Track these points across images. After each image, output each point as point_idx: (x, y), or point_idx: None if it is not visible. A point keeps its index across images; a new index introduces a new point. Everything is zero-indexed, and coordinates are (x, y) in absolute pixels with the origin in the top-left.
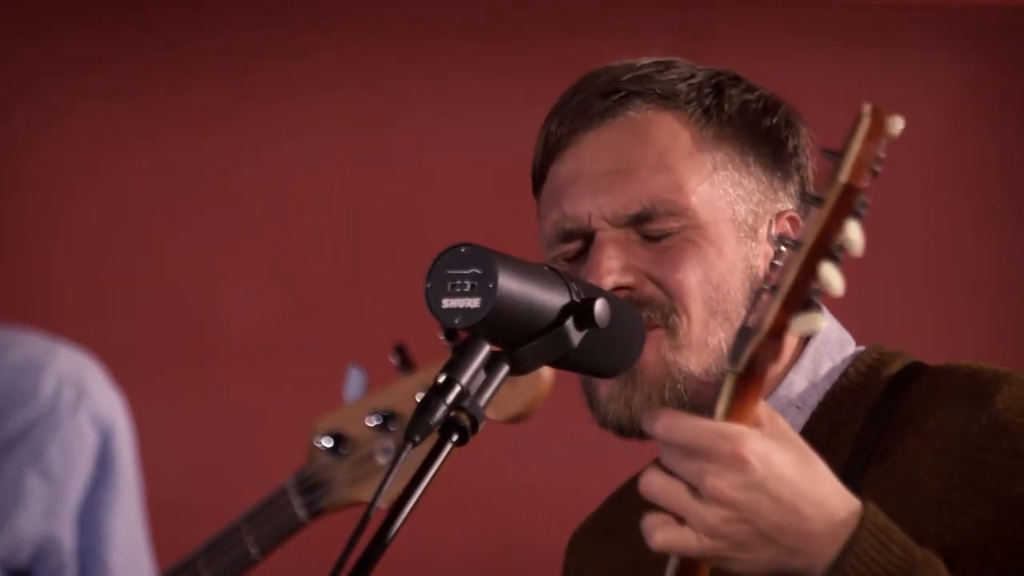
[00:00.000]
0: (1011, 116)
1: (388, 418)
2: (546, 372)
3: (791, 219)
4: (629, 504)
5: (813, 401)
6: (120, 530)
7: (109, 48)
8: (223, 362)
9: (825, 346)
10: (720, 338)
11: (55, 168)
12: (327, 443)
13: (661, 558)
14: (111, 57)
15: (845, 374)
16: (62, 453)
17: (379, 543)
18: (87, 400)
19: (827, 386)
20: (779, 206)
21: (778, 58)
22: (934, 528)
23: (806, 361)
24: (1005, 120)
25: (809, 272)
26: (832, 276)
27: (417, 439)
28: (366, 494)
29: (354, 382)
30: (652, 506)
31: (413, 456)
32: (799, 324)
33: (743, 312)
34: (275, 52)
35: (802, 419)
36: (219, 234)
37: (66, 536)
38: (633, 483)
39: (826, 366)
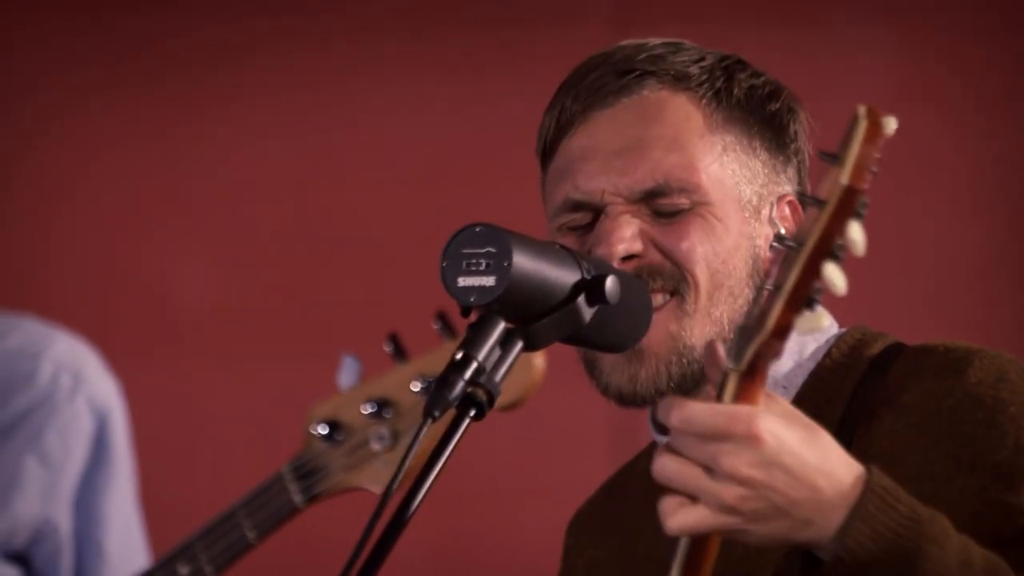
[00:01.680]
0: (945, 97)
1: (383, 406)
2: (538, 361)
3: (791, 203)
4: (625, 490)
5: (798, 381)
6: (115, 513)
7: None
8: (176, 343)
9: None
10: (722, 311)
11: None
12: (323, 430)
13: (657, 542)
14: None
15: (828, 354)
16: (60, 438)
17: (399, 520)
18: (84, 386)
19: (811, 366)
20: (780, 189)
21: (712, 41)
22: (917, 501)
23: (791, 342)
24: (940, 101)
25: (812, 272)
26: (836, 275)
27: (437, 414)
28: (361, 480)
29: (348, 370)
30: (647, 493)
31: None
32: (804, 323)
33: (746, 290)
34: (233, 46)
35: (788, 399)
36: (171, 215)
37: (63, 519)
38: (627, 470)
39: (811, 347)
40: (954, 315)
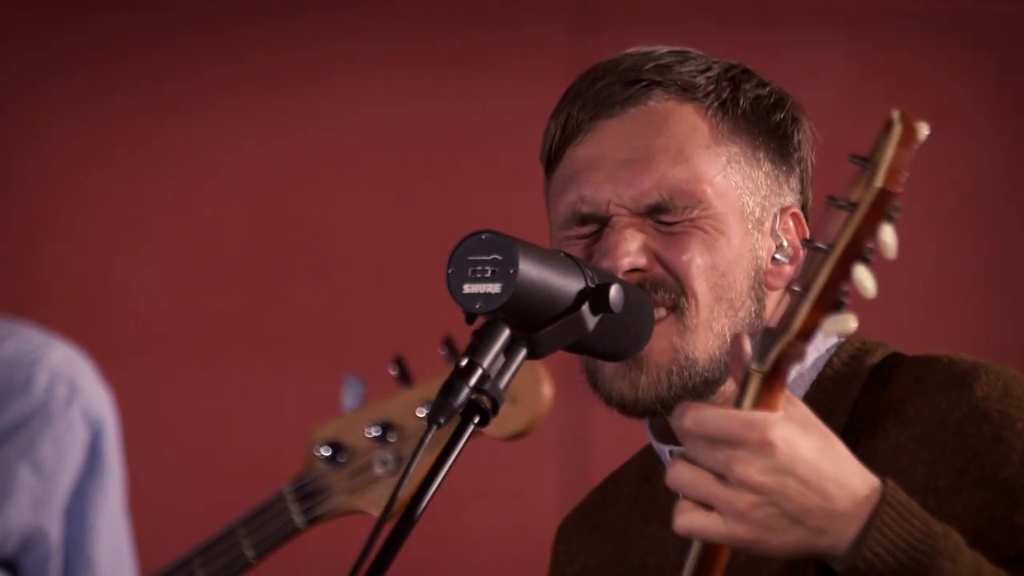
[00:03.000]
0: (903, 102)
1: (387, 429)
2: (545, 391)
3: (794, 215)
4: (616, 497)
5: (800, 391)
6: (105, 524)
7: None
8: (141, 350)
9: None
10: (723, 324)
11: None
12: (325, 451)
13: (652, 549)
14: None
15: (830, 364)
16: (54, 447)
17: (402, 528)
18: (80, 396)
19: (813, 376)
20: (783, 200)
21: (671, 45)
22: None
23: None
24: (897, 105)
25: (841, 274)
26: (865, 278)
27: (442, 421)
28: (363, 503)
29: (352, 391)
30: (639, 500)
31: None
32: (831, 325)
33: (747, 302)
34: (202, 49)
35: None
36: (124, 213)
37: (53, 528)
38: (617, 476)
39: (812, 356)
40: (945, 326)
